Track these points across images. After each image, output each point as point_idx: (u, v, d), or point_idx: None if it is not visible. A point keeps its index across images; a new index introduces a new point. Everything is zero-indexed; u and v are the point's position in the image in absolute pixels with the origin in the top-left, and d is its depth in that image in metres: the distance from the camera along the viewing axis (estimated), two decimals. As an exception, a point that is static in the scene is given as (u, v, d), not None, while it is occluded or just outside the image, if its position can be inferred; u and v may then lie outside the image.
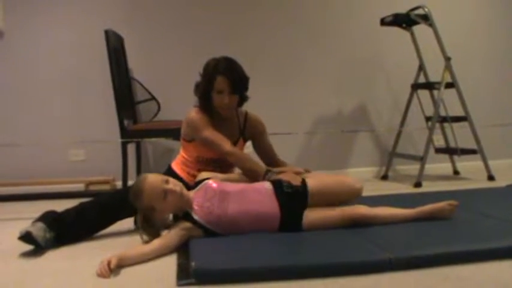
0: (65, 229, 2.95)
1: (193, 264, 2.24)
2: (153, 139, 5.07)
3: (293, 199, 2.84)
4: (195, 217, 2.72)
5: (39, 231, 2.81)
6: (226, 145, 3.19)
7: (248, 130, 3.48)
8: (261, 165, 3.22)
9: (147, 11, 5.28)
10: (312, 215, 2.82)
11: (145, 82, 5.14)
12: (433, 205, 3.04)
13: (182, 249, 2.62)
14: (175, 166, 3.42)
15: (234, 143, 3.34)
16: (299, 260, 2.35)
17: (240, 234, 2.72)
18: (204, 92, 3.25)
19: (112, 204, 3.11)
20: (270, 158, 3.52)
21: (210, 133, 3.22)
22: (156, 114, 5.05)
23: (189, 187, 3.20)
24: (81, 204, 3.10)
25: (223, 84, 3.18)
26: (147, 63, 5.26)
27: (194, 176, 3.27)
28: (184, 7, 5.34)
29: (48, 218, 2.93)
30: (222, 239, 2.70)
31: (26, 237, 2.76)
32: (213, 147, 3.22)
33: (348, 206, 2.90)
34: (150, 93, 5.09)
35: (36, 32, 5.13)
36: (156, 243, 2.62)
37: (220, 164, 3.31)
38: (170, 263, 2.47)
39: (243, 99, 3.36)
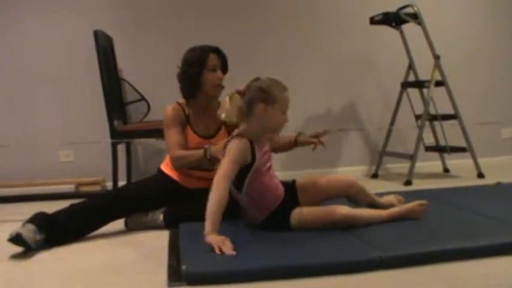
0: (55, 231, 2.94)
1: (184, 267, 2.24)
2: (143, 139, 5.06)
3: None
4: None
5: (29, 232, 2.80)
6: (173, 150, 3.25)
7: None
8: (199, 151, 3.19)
9: (136, 11, 5.27)
10: (300, 213, 2.82)
11: (134, 82, 5.13)
12: (403, 206, 3.08)
13: (173, 250, 2.62)
14: (165, 168, 3.42)
15: (217, 130, 3.39)
16: (290, 261, 2.35)
17: (233, 235, 2.73)
18: (195, 75, 3.29)
19: (103, 206, 3.11)
20: None
21: (170, 133, 3.29)
22: (146, 115, 5.04)
23: (183, 187, 3.22)
24: (71, 206, 3.09)
25: (215, 60, 3.30)
26: (137, 63, 5.24)
27: (186, 175, 3.29)
28: (173, 7, 5.34)
29: (38, 220, 2.91)
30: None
31: (15, 238, 2.75)
32: (166, 148, 3.31)
33: (332, 206, 2.88)
34: (139, 93, 5.08)
35: (25, 33, 5.11)
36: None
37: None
38: (161, 264, 2.47)
39: None
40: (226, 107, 2.78)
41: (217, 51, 3.34)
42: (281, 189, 2.89)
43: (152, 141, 5.16)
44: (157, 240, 2.96)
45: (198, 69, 3.27)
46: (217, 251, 2.38)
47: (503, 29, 6.31)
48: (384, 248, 2.43)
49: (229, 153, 2.69)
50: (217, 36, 5.26)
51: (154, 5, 5.30)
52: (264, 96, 2.73)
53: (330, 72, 5.68)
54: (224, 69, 3.36)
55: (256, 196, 2.81)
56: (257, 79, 2.81)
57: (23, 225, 2.85)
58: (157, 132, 4.53)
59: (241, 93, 2.76)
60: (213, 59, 3.29)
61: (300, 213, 2.82)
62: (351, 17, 5.73)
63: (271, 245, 2.58)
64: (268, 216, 2.81)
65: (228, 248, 2.39)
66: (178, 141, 3.27)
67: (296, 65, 5.52)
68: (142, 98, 5.07)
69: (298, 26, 5.63)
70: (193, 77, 3.28)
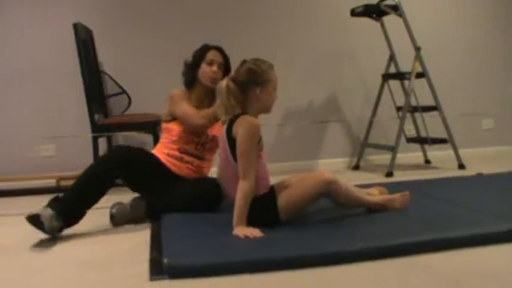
0: (70, 215, 3.00)
1: (165, 260, 2.24)
2: (125, 133, 5.03)
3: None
4: None
5: (48, 216, 2.85)
6: (196, 118, 3.33)
7: None
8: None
9: (116, 3, 5.23)
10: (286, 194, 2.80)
11: (115, 75, 5.09)
12: (386, 196, 3.13)
13: (155, 243, 2.61)
14: (156, 152, 3.48)
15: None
16: (272, 253, 2.35)
17: (215, 227, 2.73)
18: (193, 63, 3.50)
19: (103, 174, 3.16)
20: None
21: (185, 106, 3.40)
22: (127, 108, 5.01)
23: (173, 173, 3.29)
24: (77, 185, 3.12)
25: (214, 55, 3.49)
26: (117, 56, 5.21)
27: (173, 156, 3.38)
28: (154, 1, 5.30)
29: (58, 206, 2.93)
30: (194, 233, 2.70)
31: (33, 218, 2.83)
32: (186, 120, 3.37)
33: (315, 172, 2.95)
34: (120, 86, 5.05)
35: (4, 26, 5.05)
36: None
37: (202, 141, 3.44)
38: (143, 257, 2.46)
39: None
40: (223, 99, 2.81)
41: (219, 49, 3.54)
42: (269, 178, 2.87)
43: (133, 135, 5.14)
44: (140, 233, 2.96)
45: (197, 61, 3.48)
46: (244, 237, 2.52)
47: (483, 20, 6.34)
48: (366, 240, 2.45)
49: (250, 139, 2.71)
50: (196, 30, 5.27)
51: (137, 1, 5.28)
52: (258, 79, 2.81)
53: (311, 64, 5.68)
54: (224, 67, 3.52)
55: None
56: (244, 62, 2.89)
57: (44, 208, 2.89)
58: (138, 126, 4.53)
59: (233, 79, 2.82)
60: (212, 54, 3.49)
61: (286, 195, 2.79)
62: (331, 9, 5.73)
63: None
64: (255, 203, 2.72)
65: (257, 234, 2.54)
66: (195, 109, 3.41)
67: (277, 57, 5.46)
68: (123, 91, 5.04)
69: (279, 19, 5.62)
70: (192, 68, 3.50)
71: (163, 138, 3.52)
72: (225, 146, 2.80)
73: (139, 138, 5.14)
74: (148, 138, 4.73)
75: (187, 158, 3.41)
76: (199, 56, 3.49)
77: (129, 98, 5.03)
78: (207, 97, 3.51)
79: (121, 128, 4.61)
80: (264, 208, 2.75)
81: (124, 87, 5.05)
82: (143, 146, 4.93)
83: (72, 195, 3.04)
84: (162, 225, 2.89)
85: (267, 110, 2.89)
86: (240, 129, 2.71)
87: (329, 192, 2.82)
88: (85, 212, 3.06)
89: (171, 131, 3.45)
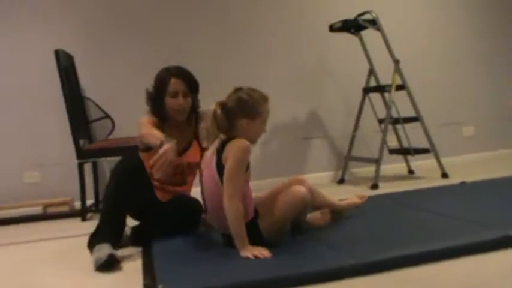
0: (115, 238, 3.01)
1: (160, 286, 2.24)
2: (110, 158, 5.03)
3: None
4: None
5: (110, 251, 2.82)
6: (156, 137, 2.99)
7: (198, 135, 3.39)
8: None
9: (96, 29, 5.23)
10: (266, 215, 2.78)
11: (98, 100, 5.10)
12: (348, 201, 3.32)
13: (147, 269, 2.61)
14: None
15: (188, 145, 3.35)
16: (263, 274, 2.36)
17: (205, 251, 2.74)
18: (157, 97, 3.27)
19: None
20: None
21: (145, 129, 3.13)
22: (111, 132, 5.02)
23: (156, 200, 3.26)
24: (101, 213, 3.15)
25: (177, 85, 3.23)
26: (99, 81, 5.21)
27: (154, 186, 3.31)
28: (133, 24, 5.32)
29: (104, 235, 2.94)
30: (187, 257, 2.71)
31: (107, 263, 2.76)
32: (143, 140, 3.12)
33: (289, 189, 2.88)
34: (103, 111, 5.05)
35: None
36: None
37: (179, 170, 3.32)
38: (136, 284, 2.46)
39: (195, 103, 3.37)
40: (207, 124, 2.75)
41: (179, 75, 3.27)
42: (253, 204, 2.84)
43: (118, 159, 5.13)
44: (130, 260, 2.95)
45: (160, 93, 3.26)
46: (254, 258, 2.52)
47: (460, 31, 6.45)
48: (354, 256, 2.46)
49: (240, 162, 2.66)
50: (177, 50, 5.30)
51: (114, 22, 5.27)
52: (247, 111, 2.75)
53: (292, 80, 5.72)
54: (189, 92, 3.27)
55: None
56: (238, 90, 2.81)
57: (98, 247, 2.85)
58: (123, 150, 4.52)
59: (222, 105, 2.75)
60: (174, 84, 3.23)
61: (268, 219, 2.77)
62: (310, 25, 5.79)
63: (245, 260, 2.57)
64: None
65: (265, 253, 2.54)
66: (176, 139, 3.14)
67: (257, 74, 5.53)
68: (106, 116, 5.05)
69: (258, 35, 5.66)
70: (157, 100, 3.28)
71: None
72: (213, 172, 2.74)
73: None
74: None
75: (168, 188, 3.34)
76: (161, 89, 3.25)
77: (113, 122, 5.04)
78: (180, 123, 3.34)
79: (106, 153, 4.59)
80: (250, 234, 2.68)
81: (107, 111, 5.06)
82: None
83: (107, 220, 3.05)
84: (153, 251, 2.89)
85: (251, 141, 2.77)
86: (232, 152, 2.66)
87: (306, 205, 2.87)
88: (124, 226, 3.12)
89: (147, 161, 3.15)
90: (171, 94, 3.22)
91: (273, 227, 2.77)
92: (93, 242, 2.94)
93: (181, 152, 3.29)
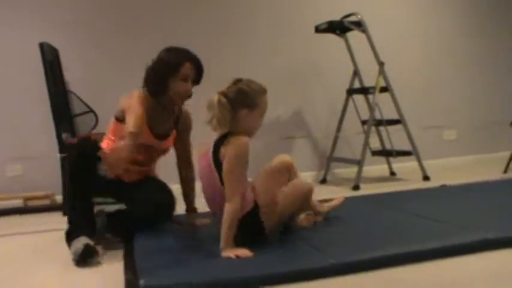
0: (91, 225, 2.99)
1: (142, 281, 2.23)
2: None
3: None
4: None
5: (87, 242, 2.78)
6: (130, 124, 2.93)
7: (181, 122, 3.38)
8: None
9: (82, 22, 5.22)
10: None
11: (82, 94, 5.08)
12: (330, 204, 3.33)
13: (128, 264, 2.61)
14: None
15: (168, 133, 3.30)
16: (245, 271, 2.37)
17: (188, 247, 2.74)
18: (164, 78, 3.09)
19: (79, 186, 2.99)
20: (187, 157, 3.45)
21: (135, 108, 3.01)
22: (94, 127, 5.00)
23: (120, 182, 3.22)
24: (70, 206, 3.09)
25: (190, 71, 3.11)
26: (83, 75, 5.20)
27: (125, 171, 3.15)
28: (118, 17, 5.31)
29: (77, 229, 2.89)
30: (169, 251, 2.71)
31: (87, 250, 2.74)
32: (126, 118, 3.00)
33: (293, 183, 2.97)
34: (87, 105, 5.03)
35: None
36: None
37: (152, 152, 3.27)
38: (118, 278, 2.45)
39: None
40: (216, 112, 2.72)
41: (194, 60, 3.15)
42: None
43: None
44: (111, 255, 2.93)
45: (169, 74, 3.08)
46: (236, 257, 2.51)
47: (445, 36, 6.51)
48: (335, 255, 2.48)
49: (240, 158, 2.67)
50: (162, 46, 5.29)
51: (99, 16, 5.26)
52: (247, 101, 2.77)
53: (277, 80, 5.73)
54: (196, 81, 3.19)
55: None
56: (239, 81, 2.84)
57: (77, 242, 2.79)
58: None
59: (224, 95, 2.75)
60: (187, 68, 3.10)
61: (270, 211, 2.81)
62: (296, 26, 5.81)
63: (219, 258, 2.58)
64: (242, 221, 2.70)
65: (248, 253, 2.54)
66: (161, 123, 3.19)
67: (243, 73, 5.52)
68: (90, 110, 5.03)
69: (244, 36, 5.67)
70: (162, 80, 3.10)
71: (112, 137, 3.25)
72: (211, 169, 2.76)
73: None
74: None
75: (134, 167, 3.22)
76: (173, 68, 3.08)
77: (96, 116, 5.01)
78: (171, 108, 3.25)
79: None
80: (250, 225, 2.74)
81: (91, 106, 5.05)
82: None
83: (75, 214, 2.98)
84: (135, 246, 2.88)
85: (250, 134, 2.80)
86: (230, 149, 2.66)
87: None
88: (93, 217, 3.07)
89: (121, 132, 3.04)
90: (182, 77, 3.09)
91: (274, 220, 2.82)
92: (70, 238, 2.89)
93: (163, 137, 3.27)
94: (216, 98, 2.73)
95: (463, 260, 2.51)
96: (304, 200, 2.94)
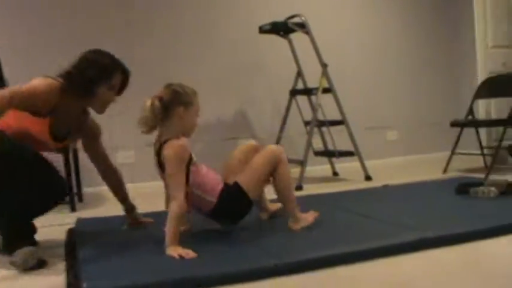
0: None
1: (84, 285, 2.20)
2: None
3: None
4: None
5: (32, 252, 2.69)
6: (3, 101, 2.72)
7: (85, 128, 3.20)
8: None
9: (23, 20, 5.12)
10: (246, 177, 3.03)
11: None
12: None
13: (71, 267, 2.58)
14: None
15: (66, 134, 3.07)
16: (186, 272, 2.37)
17: (133, 248, 2.73)
18: (92, 82, 2.90)
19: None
20: (107, 165, 3.36)
21: (24, 91, 2.79)
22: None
23: None
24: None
25: (119, 81, 3.01)
26: (24, 73, 5.08)
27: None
28: (63, 15, 5.22)
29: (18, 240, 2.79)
30: (112, 254, 2.69)
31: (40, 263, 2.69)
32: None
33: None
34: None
35: None
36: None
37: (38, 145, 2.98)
38: (58, 282, 2.42)
39: None
40: (146, 114, 2.83)
41: (126, 72, 3.05)
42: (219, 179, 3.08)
43: (42, 154, 5.02)
44: (53, 257, 2.88)
45: (101, 80, 2.92)
46: (179, 257, 2.55)
47: (388, 38, 6.64)
48: (279, 256, 2.51)
49: (176, 160, 2.79)
50: (104, 47, 5.23)
51: (42, 13, 5.16)
52: (182, 100, 2.88)
53: (221, 80, 5.74)
54: (119, 92, 3.07)
55: (201, 187, 2.94)
56: (170, 84, 2.93)
57: (19, 253, 2.68)
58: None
59: (159, 98, 2.85)
60: (118, 79, 2.99)
61: (246, 177, 3.02)
62: (240, 26, 5.82)
63: (170, 258, 2.58)
64: (224, 197, 2.97)
65: (191, 254, 2.57)
66: (61, 123, 2.94)
67: (186, 73, 5.50)
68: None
69: (188, 35, 5.65)
70: (90, 83, 2.91)
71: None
72: (159, 171, 2.92)
73: (49, 157, 5.02)
74: (58, 157, 4.62)
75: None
76: (106, 74, 2.93)
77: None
78: (80, 111, 3.08)
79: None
80: (234, 196, 2.98)
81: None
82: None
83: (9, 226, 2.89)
84: (77, 248, 2.85)
85: (188, 132, 2.95)
86: (166, 152, 2.79)
87: (279, 162, 3.05)
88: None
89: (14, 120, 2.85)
90: (112, 88, 2.98)
91: (254, 184, 3.02)
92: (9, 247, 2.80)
93: (60, 139, 3.06)
94: (149, 101, 2.85)
95: (403, 258, 2.56)
96: (275, 161, 3.06)
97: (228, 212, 3.03)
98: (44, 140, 2.94)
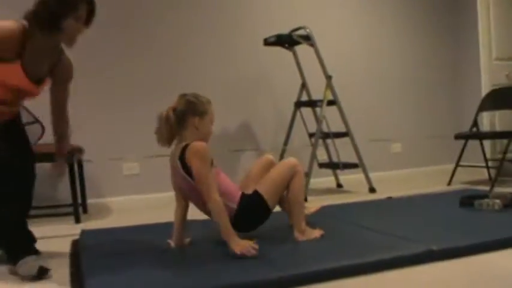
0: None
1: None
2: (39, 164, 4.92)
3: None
4: None
5: (36, 261, 2.75)
6: None
7: (59, 70, 3.06)
8: None
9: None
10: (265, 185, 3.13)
11: (28, 104, 4.99)
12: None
13: (75, 279, 2.58)
14: None
15: (44, 78, 2.98)
16: (191, 285, 2.37)
17: (134, 260, 2.73)
18: (60, 14, 2.72)
19: None
20: (61, 111, 3.25)
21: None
22: (40, 137, 4.91)
23: None
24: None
25: (85, 11, 2.81)
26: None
27: None
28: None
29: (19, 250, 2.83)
30: (117, 266, 2.69)
31: (41, 273, 2.71)
32: None
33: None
34: (33, 115, 4.95)
35: None
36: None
37: (19, 94, 2.93)
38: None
39: None
40: (160, 126, 2.96)
41: (92, 3, 2.84)
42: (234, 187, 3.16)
43: (47, 165, 5.03)
44: (58, 267, 2.89)
45: (65, 12, 2.74)
46: (241, 255, 2.70)
47: (392, 51, 6.63)
48: (283, 268, 2.51)
49: (204, 162, 2.88)
50: (108, 53, 5.25)
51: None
52: (196, 109, 3.01)
53: (225, 93, 5.74)
54: (87, 23, 2.87)
55: (222, 191, 2.96)
56: (184, 95, 3.05)
57: (23, 262, 2.74)
58: (53, 156, 4.44)
59: (173, 109, 2.97)
60: (84, 9, 2.79)
61: (265, 187, 3.11)
62: (246, 38, 5.83)
63: (176, 267, 2.59)
64: (241, 205, 3.05)
65: (252, 251, 2.71)
66: (36, 64, 2.83)
67: (191, 86, 5.51)
68: (36, 121, 4.94)
69: (193, 47, 5.66)
70: (56, 18, 2.74)
71: None
72: (183, 176, 2.95)
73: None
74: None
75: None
76: (73, 7, 2.74)
77: (43, 127, 4.94)
78: (52, 49, 2.92)
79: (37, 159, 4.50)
80: (255, 204, 3.08)
81: (37, 116, 4.96)
82: (60, 177, 4.88)
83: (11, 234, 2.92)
84: (82, 258, 2.86)
85: (204, 140, 3.04)
86: (191, 153, 2.88)
87: (295, 174, 3.13)
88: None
89: None
90: (79, 19, 2.79)
91: (272, 192, 3.11)
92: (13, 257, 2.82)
93: (39, 81, 2.95)
94: (164, 113, 2.97)
95: (408, 271, 2.56)
96: (292, 172, 3.14)
97: (248, 219, 3.11)
98: (23, 86, 2.85)
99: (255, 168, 3.36)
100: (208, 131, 3.10)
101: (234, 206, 3.02)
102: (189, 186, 2.96)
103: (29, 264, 2.71)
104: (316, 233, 3.15)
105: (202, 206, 2.99)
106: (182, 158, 2.91)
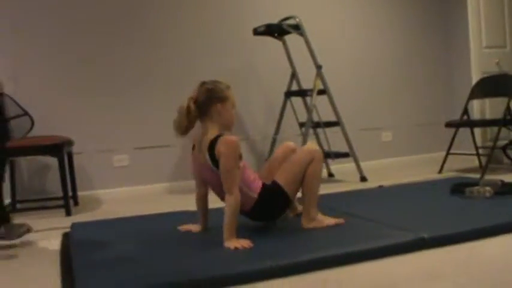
0: None
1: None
2: (28, 157, 4.90)
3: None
4: None
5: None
6: None
7: None
8: None
9: (13, 20, 5.10)
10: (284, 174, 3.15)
11: (16, 97, 4.97)
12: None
13: (65, 272, 2.56)
14: None
15: None
16: (183, 276, 2.35)
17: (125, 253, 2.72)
18: None
19: None
20: None
21: None
22: (29, 130, 4.89)
23: None
24: None
25: None
26: (18, 76, 5.08)
27: None
28: (54, 17, 5.21)
29: None
30: (107, 260, 2.68)
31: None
32: None
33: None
34: (22, 108, 4.92)
35: None
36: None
37: None
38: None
39: None
40: (179, 117, 2.99)
41: None
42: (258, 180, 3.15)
43: (37, 158, 5.02)
44: (47, 263, 2.89)
45: None
46: (235, 249, 2.71)
47: (382, 40, 6.62)
48: (273, 257, 2.50)
49: (233, 156, 2.89)
50: (101, 45, 5.23)
51: (31, 14, 5.15)
52: (217, 96, 3.01)
53: (216, 82, 5.73)
54: None
55: (247, 183, 3.04)
56: (204, 83, 3.06)
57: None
58: (42, 149, 4.43)
59: (195, 100, 2.99)
60: None
61: (284, 177, 3.13)
62: (235, 28, 5.81)
63: (164, 260, 2.59)
64: (261, 195, 3.06)
65: (246, 244, 2.74)
66: None
67: (181, 76, 5.52)
68: (25, 113, 4.91)
69: (182, 37, 5.64)
70: None
71: None
72: (210, 166, 2.94)
73: (43, 161, 5.03)
74: (53, 161, 4.63)
75: None
76: None
77: (32, 119, 4.91)
78: None
79: (24, 152, 4.49)
80: (274, 194, 3.10)
81: (26, 108, 4.94)
82: (47, 169, 4.87)
83: None
84: (71, 252, 2.84)
85: (229, 126, 3.07)
86: (223, 148, 2.87)
87: (312, 160, 3.13)
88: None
89: None
90: None
91: (291, 180, 3.13)
92: None
93: None
94: (185, 104, 2.98)
95: (399, 259, 2.56)
96: (310, 159, 3.14)
97: (267, 210, 3.13)
98: None
99: (276, 156, 3.37)
100: (231, 116, 3.07)
101: (255, 195, 3.04)
102: (214, 178, 2.98)
103: (11, 226, 2.78)
104: (330, 220, 3.17)
105: (222, 194, 2.98)
106: (212, 149, 2.92)
